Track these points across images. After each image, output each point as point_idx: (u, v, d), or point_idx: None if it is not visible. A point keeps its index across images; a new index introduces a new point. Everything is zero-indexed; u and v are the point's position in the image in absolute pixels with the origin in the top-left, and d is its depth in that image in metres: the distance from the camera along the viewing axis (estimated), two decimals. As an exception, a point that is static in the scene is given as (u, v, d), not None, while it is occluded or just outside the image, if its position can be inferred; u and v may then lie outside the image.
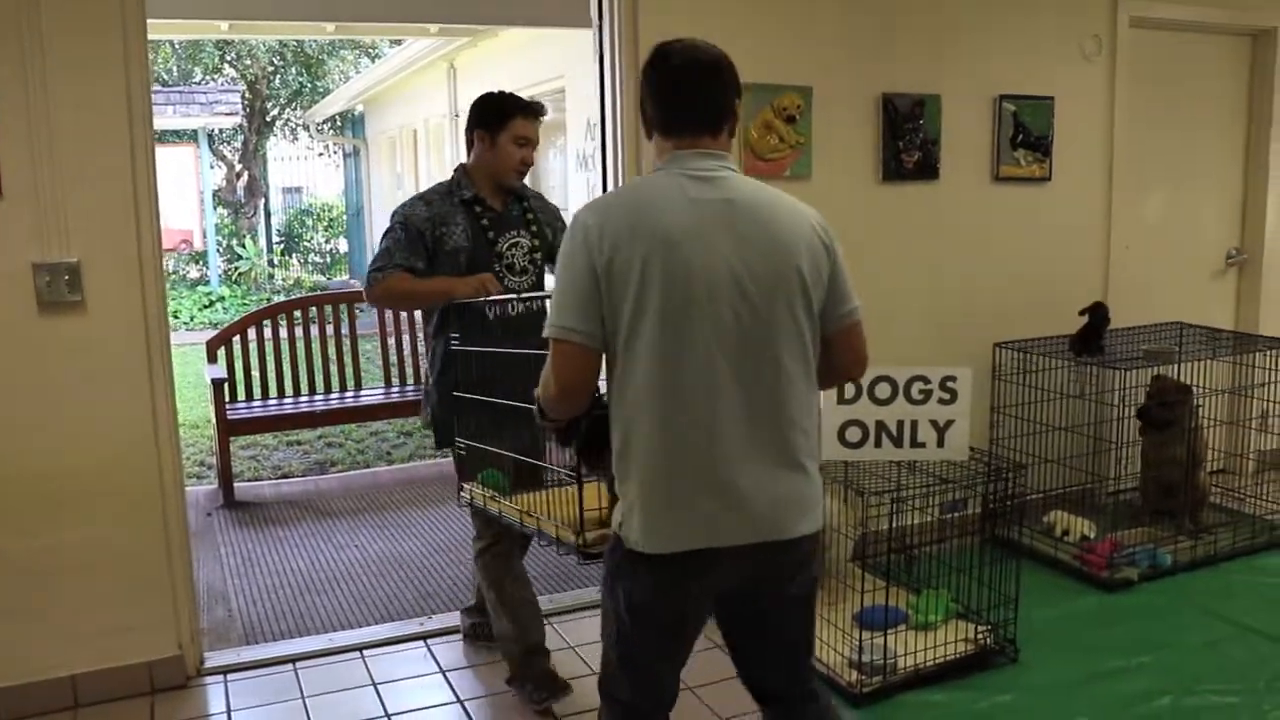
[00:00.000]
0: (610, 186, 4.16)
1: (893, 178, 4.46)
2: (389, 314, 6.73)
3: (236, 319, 6.66)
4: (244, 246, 15.08)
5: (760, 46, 4.19)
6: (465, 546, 5.04)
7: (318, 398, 6.43)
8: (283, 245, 16.87)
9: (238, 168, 17.06)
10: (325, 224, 17.52)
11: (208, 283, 14.36)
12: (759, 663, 2.37)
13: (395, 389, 6.60)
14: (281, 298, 12.32)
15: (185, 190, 13.72)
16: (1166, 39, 5.29)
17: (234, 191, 16.78)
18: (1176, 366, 4.69)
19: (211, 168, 15.83)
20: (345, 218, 17.10)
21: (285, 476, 6.52)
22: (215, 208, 15.82)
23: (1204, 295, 5.67)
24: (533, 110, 3.43)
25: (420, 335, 6.69)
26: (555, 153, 8.20)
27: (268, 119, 17.26)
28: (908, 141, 4.45)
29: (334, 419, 6.45)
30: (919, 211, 4.59)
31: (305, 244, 17.31)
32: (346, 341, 6.56)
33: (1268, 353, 4.90)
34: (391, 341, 6.69)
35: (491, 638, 3.75)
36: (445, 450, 3.55)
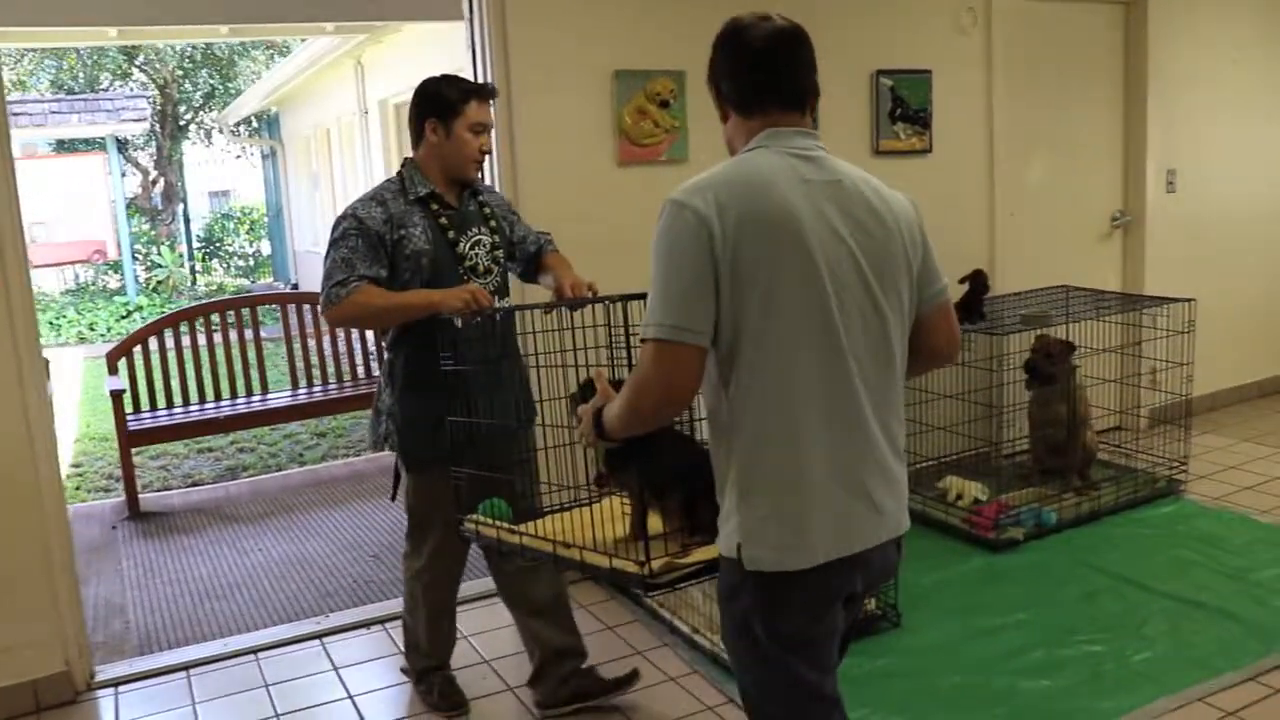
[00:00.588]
0: (489, 178, 4.18)
1: (769, 157, 4.51)
2: (293, 316, 6.68)
3: (135, 330, 6.52)
4: (160, 254, 14.87)
5: (629, 32, 4.22)
6: (369, 544, 5.06)
7: (224, 403, 6.38)
8: (204, 250, 16.66)
9: (153, 174, 16.78)
10: (247, 227, 17.32)
11: (125, 293, 14.15)
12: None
13: (303, 391, 6.56)
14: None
15: (96, 199, 13.47)
16: (1042, 10, 5.39)
17: (150, 198, 16.50)
18: (1056, 329, 4.79)
19: (124, 175, 15.56)
20: (266, 220, 16.92)
21: (196, 484, 6.46)
22: (132, 216, 15.55)
23: (1091, 258, 5.80)
24: (487, 93, 3.12)
25: (327, 338, 6.67)
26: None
27: (181, 123, 17.02)
28: (782, 121, 4.50)
29: (239, 424, 6.40)
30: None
31: (228, 248, 17.09)
32: (251, 346, 6.51)
33: (1143, 312, 5.03)
34: (297, 346, 6.65)
35: (590, 692, 3.40)
36: (422, 474, 3.19)
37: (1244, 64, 6.06)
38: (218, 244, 17.03)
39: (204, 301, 7.99)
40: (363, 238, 2.99)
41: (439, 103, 3.06)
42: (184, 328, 6.44)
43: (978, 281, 4.76)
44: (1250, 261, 6.29)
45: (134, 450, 5.97)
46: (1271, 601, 3.84)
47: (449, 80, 3.10)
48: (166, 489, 6.39)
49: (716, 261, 1.82)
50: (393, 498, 3.37)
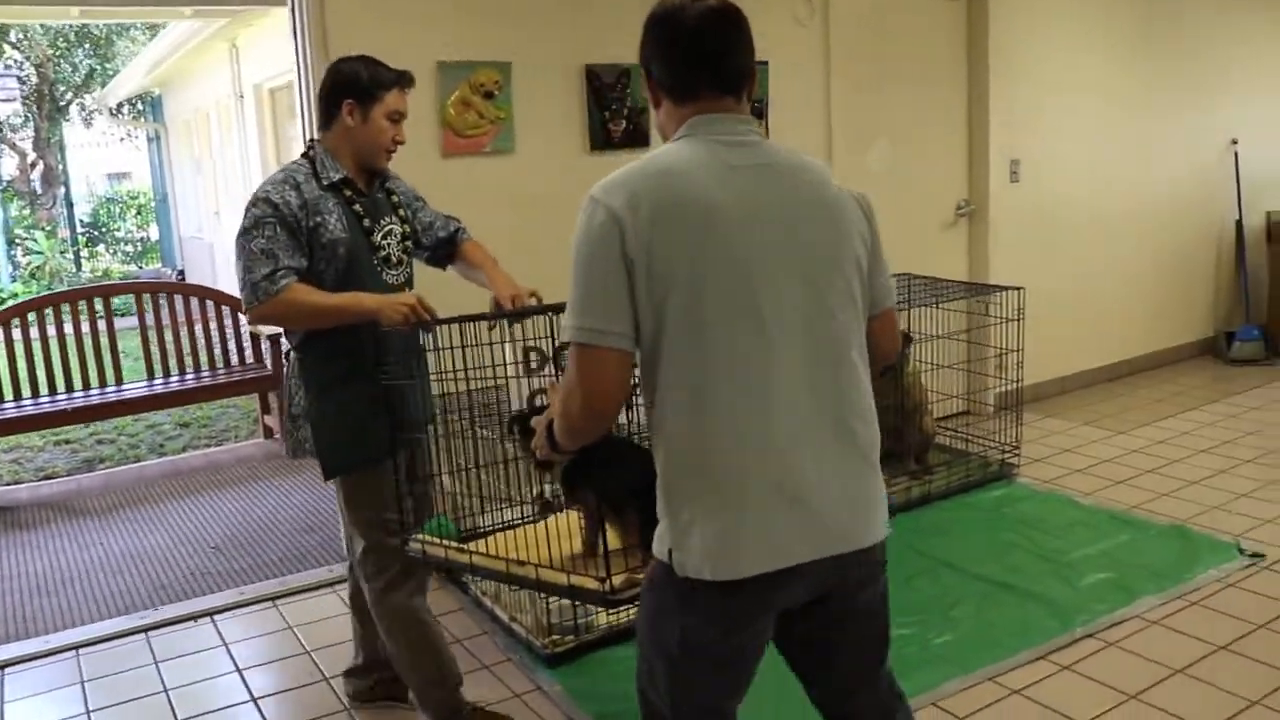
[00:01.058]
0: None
1: (601, 147, 4.54)
2: (148, 304, 6.53)
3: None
4: (35, 240, 14.41)
5: (453, 22, 4.21)
6: (212, 535, 5.00)
7: (76, 395, 6.23)
8: (88, 235, 16.15)
9: (31, 156, 16.25)
10: (134, 211, 16.84)
11: (-1, 279, 13.71)
12: (828, 686, 2.08)
13: (159, 381, 6.44)
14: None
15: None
16: (883, 1, 5.47)
17: (28, 181, 15.98)
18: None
19: (-1, 157, 15.11)
20: (154, 204, 16.49)
21: (49, 478, 6.32)
22: (9, 200, 15.02)
23: (937, 246, 5.92)
24: (408, 82, 2.95)
25: (185, 326, 6.55)
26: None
27: (60, 104, 16.48)
28: (614, 111, 4.53)
29: (87, 416, 6.23)
30: (633, 179, 4.67)
31: (115, 233, 16.62)
32: (105, 336, 6.35)
33: (978, 300, 5.16)
34: (152, 335, 6.50)
35: (401, 696, 3.33)
36: (350, 478, 2.96)
37: (1085, 56, 6.24)
38: (104, 229, 16.54)
39: (55, 291, 7.64)
40: (280, 224, 2.76)
41: (358, 85, 2.86)
42: (32, 318, 6.26)
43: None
44: (1095, 249, 6.48)
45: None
46: (1077, 582, 3.97)
47: (369, 63, 2.92)
48: (17, 482, 6.25)
49: (630, 260, 1.76)
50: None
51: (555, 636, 3.58)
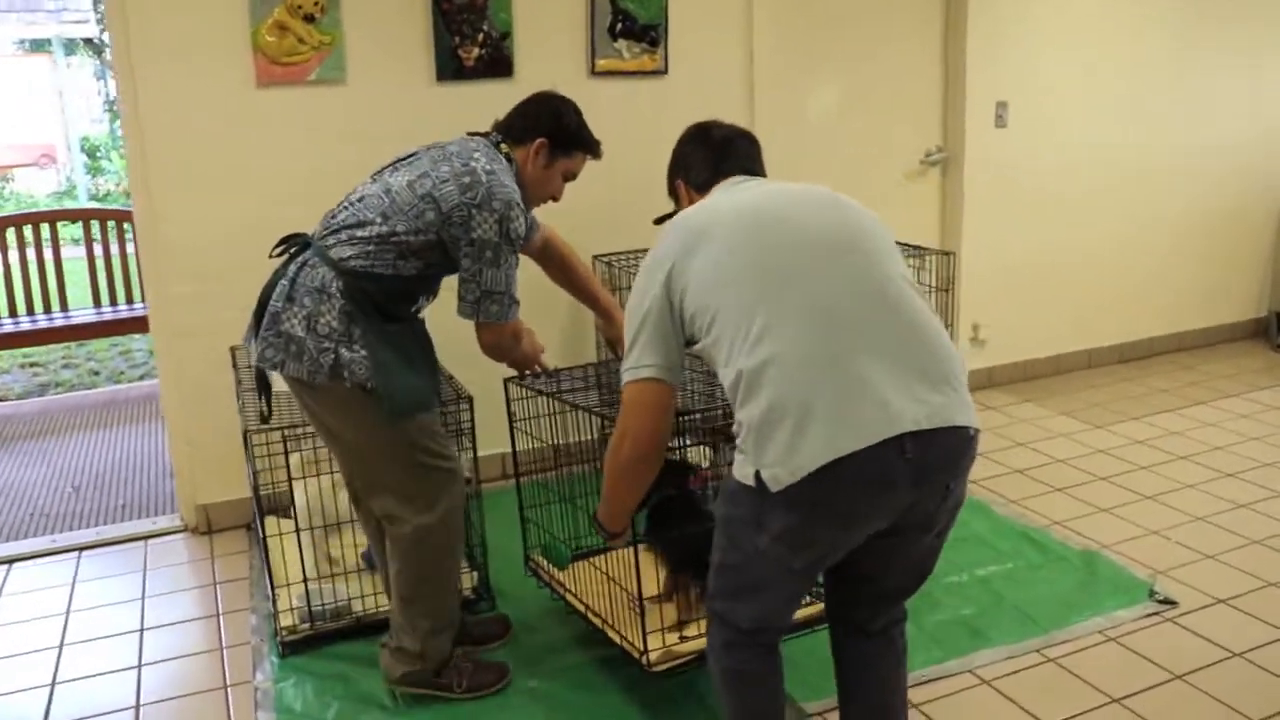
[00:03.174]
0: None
1: (452, 77, 4.04)
2: (96, 231, 6.33)
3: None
4: (110, 160, 14.65)
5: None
6: (82, 472, 4.81)
7: (23, 319, 6.13)
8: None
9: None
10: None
11: (76, 198, 13.92)
12: (855, 593, 2.31)
13: (107, 309, 6.28)
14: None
15: (56, 102, 13.18)
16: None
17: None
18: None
19: (99, 79, 15.41)
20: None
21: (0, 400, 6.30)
22: (115, 120, 15.23)
23: (901, 197, 5.19)
24: (598, 153, 2.97)
25: (131, 255, 6.31)
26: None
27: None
28: (466, 36, 4.02)
29: (20, 342, 6.14)
30: (491, 112, 4.17)
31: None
32: (51, 263, 6.20)
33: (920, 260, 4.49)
34: (100, 263, 6.30)
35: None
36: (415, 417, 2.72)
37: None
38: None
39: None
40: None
41: (565, 134, 2.86)
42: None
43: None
44: (1113, 210, 5.63)
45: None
46: (928, 616, 3.29)
47: (580, 118, 2.91)
48: (-36, 404, 6.23)
49: (670, 292, 2.09)
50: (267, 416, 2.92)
51: (291, 624, 3.21)
